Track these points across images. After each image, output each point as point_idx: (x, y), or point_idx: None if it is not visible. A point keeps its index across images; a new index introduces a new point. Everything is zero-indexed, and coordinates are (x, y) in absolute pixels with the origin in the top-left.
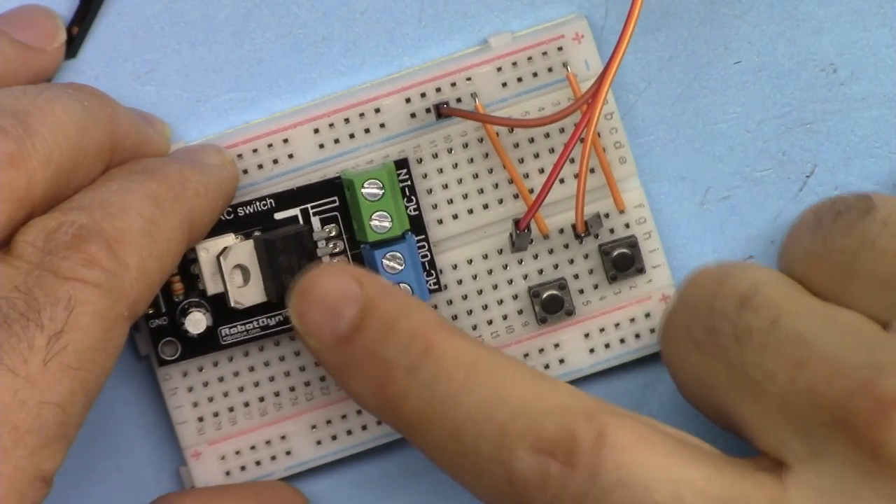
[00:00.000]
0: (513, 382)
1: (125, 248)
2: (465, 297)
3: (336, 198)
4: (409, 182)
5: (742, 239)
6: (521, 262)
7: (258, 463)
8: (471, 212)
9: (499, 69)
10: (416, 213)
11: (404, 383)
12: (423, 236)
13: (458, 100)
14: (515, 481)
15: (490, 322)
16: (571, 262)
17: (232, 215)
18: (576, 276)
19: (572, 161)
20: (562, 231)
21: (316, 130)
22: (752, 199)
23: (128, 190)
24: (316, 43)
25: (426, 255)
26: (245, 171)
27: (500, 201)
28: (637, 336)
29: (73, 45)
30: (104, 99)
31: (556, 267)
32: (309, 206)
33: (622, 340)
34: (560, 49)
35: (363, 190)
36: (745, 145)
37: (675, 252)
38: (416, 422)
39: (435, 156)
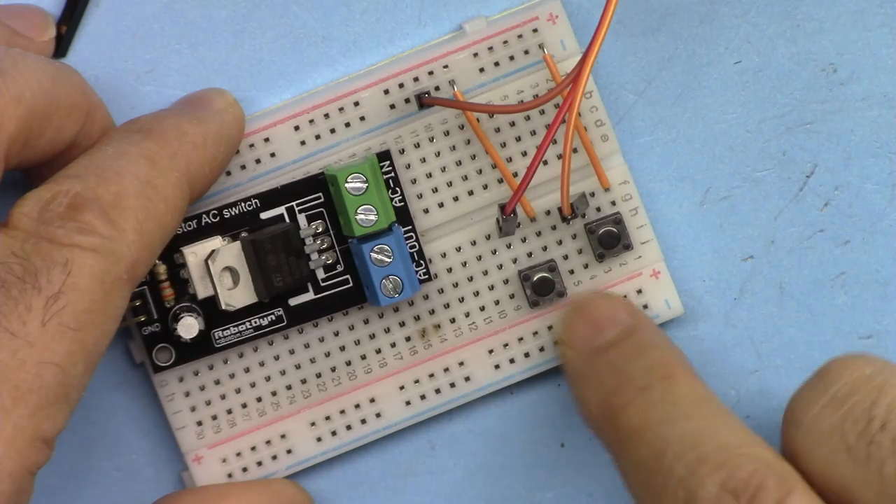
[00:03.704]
0: (727, 426)
1: (121, 213)
2: (455, 285)
3: (321, 194)
4: (392, 173)
5: (742, 239)
6: (509, 246)
7: (259, 463)
8: (456, 199)
9: (475, 55)
10: (402, 204)
11: (632, 396)
12: (409, 227)
13: (437, 88)
14: None
15: (482, 308)
16: (560, 243)
17: (218, 218)
18: (565, 257)
19: (555, 142)
20: (548, 213)
21: (297, 128)
22: (752, 199)
23: (123, 153)
24: (316, 43)
25: (414, 246)
26: (228, 173)
27: (485, 187)
28: None
29: (61, 44)
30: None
31: (544, 249)
32: (294, 203)
33: None
34: (535, 31)
35: (347, 184)
36: (745, 145)
37: (675, 252)
38: (627, 433)
39: (417, 145)
